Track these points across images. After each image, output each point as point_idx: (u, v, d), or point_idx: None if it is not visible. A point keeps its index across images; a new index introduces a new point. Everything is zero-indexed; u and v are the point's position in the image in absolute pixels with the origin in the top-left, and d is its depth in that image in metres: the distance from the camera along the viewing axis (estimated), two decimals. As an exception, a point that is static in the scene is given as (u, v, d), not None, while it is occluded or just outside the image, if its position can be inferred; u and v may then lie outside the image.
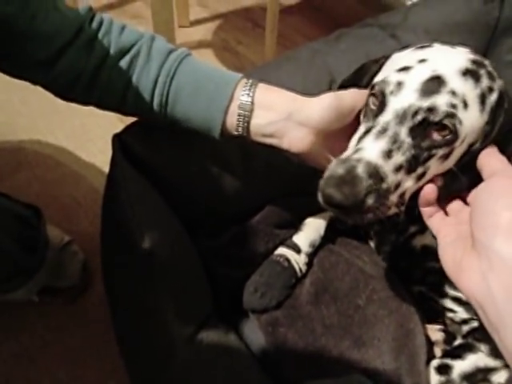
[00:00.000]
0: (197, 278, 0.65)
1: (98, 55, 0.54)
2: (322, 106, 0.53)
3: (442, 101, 0.46)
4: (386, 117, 0.48)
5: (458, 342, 0.66)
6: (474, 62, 0.49)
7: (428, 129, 0.47)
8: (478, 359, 0.62)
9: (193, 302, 0.62)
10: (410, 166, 0.47)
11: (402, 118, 0.47)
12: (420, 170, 0.48)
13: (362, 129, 0.51)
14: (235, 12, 1.79)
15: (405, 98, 0.47)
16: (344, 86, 0.60)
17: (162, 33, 1.25)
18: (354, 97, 0.55)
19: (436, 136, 0.47)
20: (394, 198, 0.48)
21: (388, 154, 0.46)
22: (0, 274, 0.81)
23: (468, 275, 0.41)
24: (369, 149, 0.47)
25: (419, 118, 0.46)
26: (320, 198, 0.48)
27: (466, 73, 0.47)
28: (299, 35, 1.71)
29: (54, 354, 0.92)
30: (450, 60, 0.48)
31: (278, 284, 0.66)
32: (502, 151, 0.49)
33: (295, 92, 0.56)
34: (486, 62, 0.50)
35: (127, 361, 0.65)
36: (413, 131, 0.47)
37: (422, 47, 0.52)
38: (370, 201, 0.45)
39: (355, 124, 0.58)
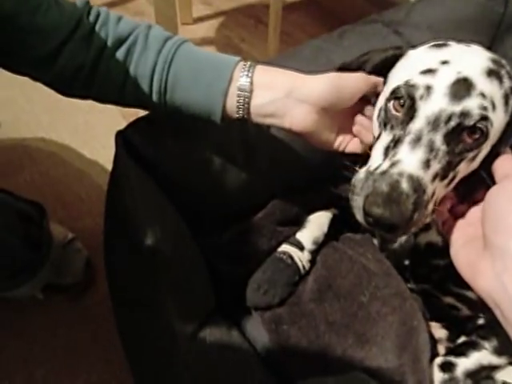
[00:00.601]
0: (200, 275, 0.65)
1: (96, 47, 0.54)
2: (324, 82, 0.53)
3: (474, 104, 0.44)
4: (418, 124, 0.46)
5: (462, 339, 0.65)
6: (493, 61, 0.47)
7: (461, 133, 0.45)
8: (481, 357, 0.62)
9: (195, 299, 0.62)
10: (444, 173, 0.46)
11: (434, 124, 0.45)
12: (451, 175, 0.47)
13: (386, 137, 0.49)
14: (238, 9, 1.79)
15: (435, 104, 0.45)
16: (346, 68, 0.58)
17: (165, 30, 1.25)
18: (357, 80, 0.54)
19: (468, 139, 0.46)
20: (430, 206, 0.47)
21: (427, 164, 0.45)
22: (4, 271, 0.82)
23: (483, 276, 0.41)
24: (407, 160, 0.45)
25: (453, 123, 0.45)
26: (362, 217, 0.46)
27: (490, 73, 0.46)
28: (302, 32, 1.71)
29: (57, 350, 0.92)
30: (471, 60, 0.47)
31: (281, 281, 0.65)
32: None
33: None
34: (503, 61, 0.49)
35: (130, 358, 0.65)
36: (447, 137, 0.45)
37: (438, 46, 0.50)
38: (416, 215, 0.44)
39: (359, 107, 0.57)
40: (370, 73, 0.56)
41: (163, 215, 0.61)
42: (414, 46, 0.53)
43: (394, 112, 0.49)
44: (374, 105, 0.56)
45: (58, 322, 0.95)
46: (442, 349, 0.68)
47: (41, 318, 0.95)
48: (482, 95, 0.45)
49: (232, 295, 0.67)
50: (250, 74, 0.53)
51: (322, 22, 1.75)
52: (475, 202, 0.49)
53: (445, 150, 0.45)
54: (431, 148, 0.45)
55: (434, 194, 0.46)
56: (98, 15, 0.55)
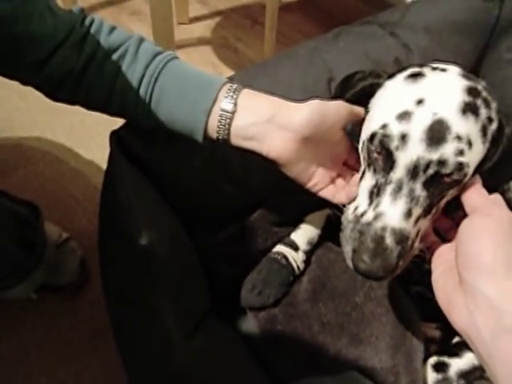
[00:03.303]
0: (195, 276, 0.65)
1: (87, 53, 0.54)
2: (306, 109, 0.52)
3: (450, 150, 0.45)
4: (398, 173, 0.47)
5: (455, 339, 0.66)
6: (469, 91, 0.47)
7: (440, 179, 0.46)
8: (475, 357, 0.62)
9: (191, 299, 0.62)
10: (426, 212, 0.48)
11: (413, 173, 0.46)
12: (434, 211, 0.49)
13: (370, 180, 0.51)
14: (234, 9, 1.79)
15: (413, 152, 0.46)
16: (332, 97, 0.59)
17: (161, 30, 1.25)
18: (338, 108, 0.54)
19: (447, 180, 0.47)
20: (416, 243, 0.49)
21: (408, 214, 0.47)
22: (-2, 271, 0.81)
23: (457, 311, 0.42)
24: (390, 213, 0.47)
25: (431, 171, 0.46)
26: (351, 266, 0.49)
27: (466, 110, 0.46)
28: (298, 33, 1.71)
29: (52, 351, 0.92)
30: (446, 96, 0.47)
31: (275, 281, 0.66)
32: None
33: (293, 90, 0.56)
34: (480, 87, 0.49)
35: (125, 358, 0.65)
36: (426, 184, 0.46)
37: (414, 76, 0.50)
38: (401, 263, 0.47)
39: (344, 153, 0.58)
40: (349, 100, 0.56)
41: (158, 215, 0.61)
42: (390, 76, 0.53)
43: (375, 155, 0.50)
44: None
45: (52, 323, 0.95)
46: (435, 349, 0.68)
47: (35, 319, 0.95)
48: (458, 138, 0.45)
49: (227, 296, 0.67)
50: (234, 96, 0.54)
51: (318, 23, 1.75)
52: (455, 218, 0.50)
53: (425, 196, 0.47)
54: (412, 197, 0.47)
55: (418, 232, 0.48)
56: (91, 23, 0.56)
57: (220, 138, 0.55)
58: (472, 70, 0.94)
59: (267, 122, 0.53)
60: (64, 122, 1.29)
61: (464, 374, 0.62)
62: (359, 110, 0.56)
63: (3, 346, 0.91)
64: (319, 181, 0.57)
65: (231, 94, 0.54)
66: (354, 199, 0.54)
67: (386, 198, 0.48)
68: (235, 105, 0.53)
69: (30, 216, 0.88)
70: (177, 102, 0.55)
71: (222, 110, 0.53)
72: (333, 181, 0.58)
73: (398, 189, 0.47)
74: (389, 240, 0.46)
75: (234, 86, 0.55)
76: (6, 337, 0.92)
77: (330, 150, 0.57)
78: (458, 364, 0.62)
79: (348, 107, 0.55)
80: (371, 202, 0.50)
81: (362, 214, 0.49)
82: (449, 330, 0.68)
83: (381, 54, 0.81)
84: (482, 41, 0.92)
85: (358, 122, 0.56)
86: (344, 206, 0.56)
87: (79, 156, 1.23)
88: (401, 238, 0.47)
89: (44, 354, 0.91)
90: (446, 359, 0.63)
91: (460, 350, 0.63)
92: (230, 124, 0.53)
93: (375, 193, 0.49)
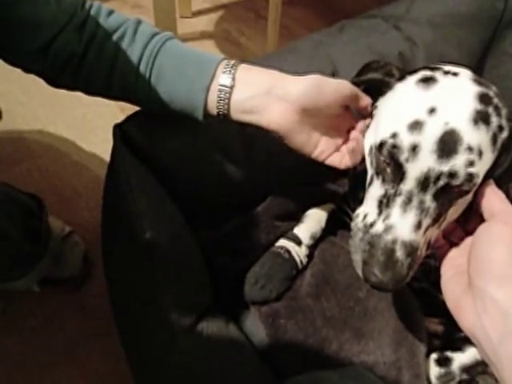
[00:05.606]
0: (197, 269, 0.65)
1: (87, 35, 0.55)
2: (304, 82, 0.53)
3: (461, 162, 0.44)
4: (408, 185, 0.46)
5: (458, 334, 0.66)
6: (481, 98, 0.46)
7: (450, 190, 0.46)
8: (477, 352, 0.62)
9: (193, 292, 0.62)
10: (435, 221, 0.48)
11: (424, 185, 0.45)
12: (442, 219, 0.48)
13: (379, 188, 0.50)
14: (238, 3, 1.78)
15: (423, 163, 0.45)
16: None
17: (164, 23, 1.24)
18: (339, 84, 0.54)
19: (456, 190, 0.46)
20: (423, 251, 0.49)
21: (418, 226, 0.46)
22: (4, 263, 0.81)
23: (465, 314, 0.43)
24: (400, 226, 0.46)
25: (441, 183, 0.45)
26: (361, 276, 0.50)
27: (477, 119, 0.45)
28: (302, 27, 1.70)
29: (55, 345, 0.92)
30: (459, 104, 0.46)
31: (278, 276, 0.66)
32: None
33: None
34: (491, 93, 0.48)
35: (128, 351, 0.65)
36: (436, 195, 0.46)
37: (425, 81, 0.48)
38: (411, 273, 0.47)
39: (348, 121, 0.58)
40: (354, 83, 0.56)
41: (161, 208, 0.61)
42: (400, 79, 0.52)
43: (384, 165, 0.49)
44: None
45: (55, 317, 0.95)
46: (438, 344, 0.68)
47: (38, 312, 0.95)
48: (469, 149, 0.44)
49: (229, 289, 0.67)
50: (232, 71, 0.54)
51: (321, 17, 1.74)
52: (472, 231, 0.49)
53: (435, 206, 0.47)
54: (422, 209, 0.46)
55: (426, 240, 0.48)
56: (90, 6, 0.57)
57: (220, 113, 0.55)
58: (477, 64, 0.93)
59: (266, 93, 0.53)
60: (66, 115, 1.29)
61: (467, 369, 0.62)
62: (364, 96, 0.55)
63: (5, 339, 0.92)
64: (324, 149, 0.57)
65: (229, 69, 0.54)
66: (359, 165, 0.56)
67: (395, 210, 0.47)
68: (233, 79, 0.54)
69: (34, 208, 0.88)
70: (175, 80, 0.55)
71: (220, 86, 0.54)
72: (338, 148, 0.58)
73: (408, 200, 0.46)
74: (399, 253, 0.46)
75: (232, 61, 0.56)
76: (7, 330, 0.93)
77: (332, 121, 0.57)
78: (461, 358, 0.62)
79: (352, 88, 0.54)
80: (380, 212, 0.49)
81: (372, 224, 0.49)
82: (452, 325, 0.68)
83: (385, 47, 0.80)
84: (486, 35, 0.92)
85: (362, 110, 0.56)
86: (349, 205, 0.56)
87: (81, 149, 1.23)
88: (411, 250, 0.46)
89: (48, 348, 0.92)
90: (448, 354, 0.63)
91: (463, 345, 0.63)
92: (229, 99, 0.54)
93: (384, 203, 0.49)
